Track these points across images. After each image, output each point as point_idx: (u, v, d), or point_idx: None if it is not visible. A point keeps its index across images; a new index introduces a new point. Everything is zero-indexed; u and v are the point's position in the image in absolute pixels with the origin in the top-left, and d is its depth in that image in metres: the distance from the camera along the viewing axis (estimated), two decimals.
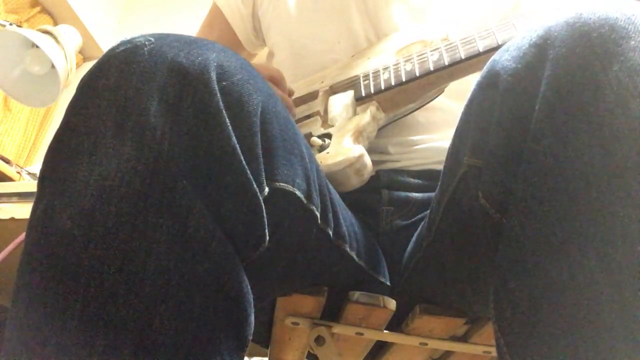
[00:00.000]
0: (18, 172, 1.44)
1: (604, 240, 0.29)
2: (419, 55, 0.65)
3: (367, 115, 0.66)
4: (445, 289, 0.58)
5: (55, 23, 2.26)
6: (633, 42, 0.31)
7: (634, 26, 0.32)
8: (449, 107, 0.74)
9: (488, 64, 0.42)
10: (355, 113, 0.68)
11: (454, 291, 0.56)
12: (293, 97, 0.75)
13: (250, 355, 1.13)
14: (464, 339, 0.64)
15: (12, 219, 0.99)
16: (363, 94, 0.68)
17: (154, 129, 0.33)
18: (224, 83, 0.36)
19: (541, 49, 0.36)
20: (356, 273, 0.60)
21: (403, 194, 0.70)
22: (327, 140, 0.66)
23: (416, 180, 0.71)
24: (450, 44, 0.62)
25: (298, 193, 0.43)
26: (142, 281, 0.31)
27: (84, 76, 0.35)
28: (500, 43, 0.58)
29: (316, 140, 0.66)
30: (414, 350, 0.66)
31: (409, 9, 0.77)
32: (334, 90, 0.73)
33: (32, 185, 1.07)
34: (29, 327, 0.30)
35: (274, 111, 0.41)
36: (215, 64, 0.36)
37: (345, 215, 0.58)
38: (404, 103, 0.68)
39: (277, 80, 0.67)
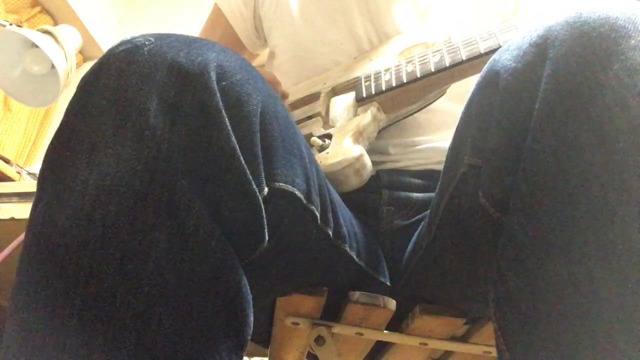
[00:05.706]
0: (18, 172, 1.45)
1: (604, 240, 0.29)
2: (420, 57, 0.65)
3: (367, 116, 0.66)
4: (445, 289, 0.58)
5: (55, 23, 2.27)
6: (633, 42, 0.31)
7: (633, 25, 0.32)
8: (450, 109, 0.74)
9: (488, 63, 0.42)
10: (356, 114, 0.68)
11: (454, 291, 0.56)
12: (295, 99, 0.75)
13: (250, 355, 1.13)
14: (464, 339, 0.64)
15: (12, 219, 0.99)
16: (364, 95, 0.68)
17: (154, 129, 0.33)
18: (224, 83, 0.36)
19: (541, 48, 0.36)
20: (356, 273, 0.60)
21: (403, 194, 0.70)
22: (327, 141, 0.66)
23: (417, 180, 0.71)
24: (452, 45, 0.62)
25: (298, 193, 0.43)
26: (141, 281, 0.31)
27: (84, 76, 0.36)
28: (501, 45, 0.58)
29: (316, 140, 0.66)
30: (414, 350, 0.66)
31: (410, 10, 0.77)
32: (335, 91, 0.73)
33: (32, 185, 1.07)
34: (29, 327, 0.30)
35: (274, 111, 0.41)
36: (215, 64, 0.36)
37: (345, 215, 0.58)
38: (404, 104, 0.68)
39: (272, 85, 0.67)
